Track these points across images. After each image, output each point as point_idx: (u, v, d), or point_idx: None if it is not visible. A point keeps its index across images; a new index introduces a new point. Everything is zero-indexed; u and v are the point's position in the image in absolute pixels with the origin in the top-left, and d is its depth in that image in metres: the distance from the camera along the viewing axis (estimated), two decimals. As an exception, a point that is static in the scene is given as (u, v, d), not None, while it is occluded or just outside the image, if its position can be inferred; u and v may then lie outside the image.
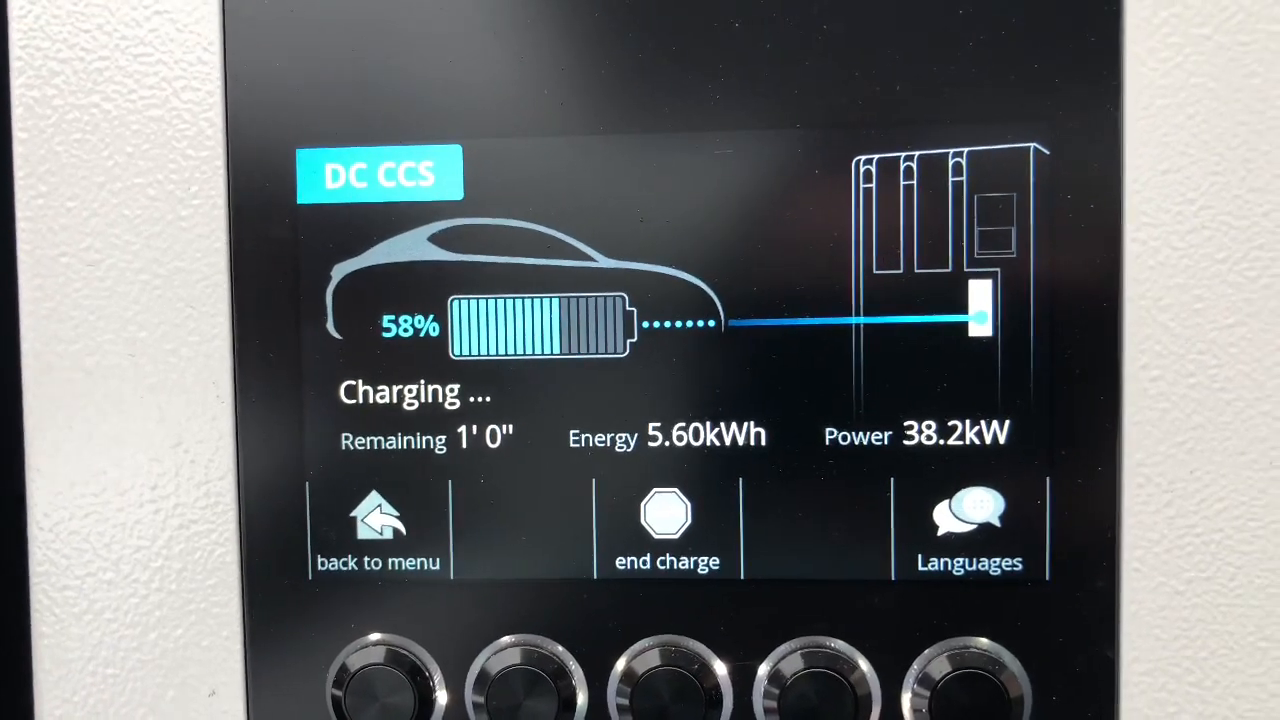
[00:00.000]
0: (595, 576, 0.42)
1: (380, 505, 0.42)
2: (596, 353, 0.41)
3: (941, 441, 0.41)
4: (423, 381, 0.42)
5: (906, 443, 0.41)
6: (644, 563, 0.42)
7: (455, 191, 0.41)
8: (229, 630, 0.43)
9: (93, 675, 0.44)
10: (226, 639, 0.43)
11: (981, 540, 0.41)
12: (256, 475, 0.42)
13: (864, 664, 0.41)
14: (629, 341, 0.41)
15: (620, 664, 0.42)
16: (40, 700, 0.44)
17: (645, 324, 0.41)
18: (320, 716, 0.43)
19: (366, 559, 0.43)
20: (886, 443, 0.41)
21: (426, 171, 0.42)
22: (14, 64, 0.42)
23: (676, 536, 0.42)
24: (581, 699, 0.42)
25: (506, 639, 0.42)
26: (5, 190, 0.43)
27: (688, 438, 0.41)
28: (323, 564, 0.43)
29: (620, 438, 0.42)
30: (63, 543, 0.43)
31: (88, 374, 0.43)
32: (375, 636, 0.43)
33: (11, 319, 0.43)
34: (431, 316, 0.42)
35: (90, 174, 0.42)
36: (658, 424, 0.41)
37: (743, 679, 0.41)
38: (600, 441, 0.42)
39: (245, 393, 0.42)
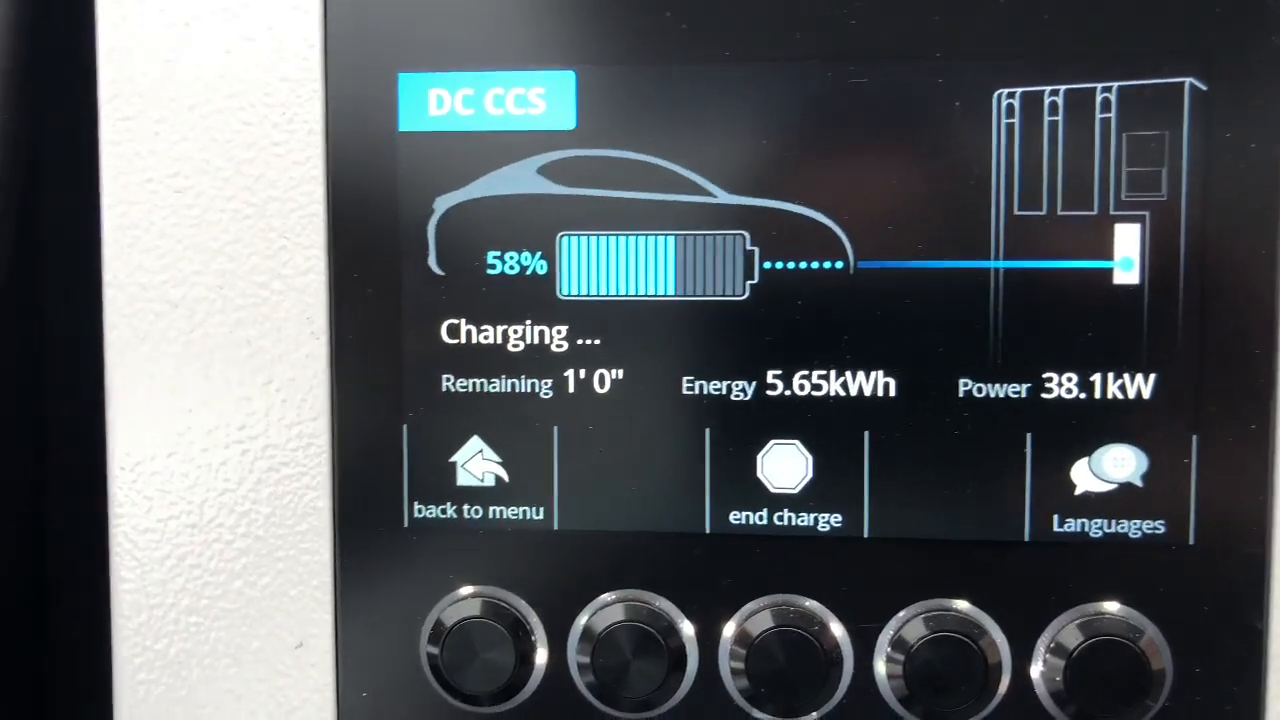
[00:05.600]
0: (707, 531, 0.40)
1: (482, 450, 0.40)
2: (713, 294, 0.39)
3: (1082, 395, 0.38)
4: (529, 322, 0.40)
5: (1045, 396, 0.38)
6: (760, 518, 0.39)
7: (567, 121, 0.39)
8: (319, 579, 0.41)
9: (175, 624, 0.42)
10: (316, 588, 0.41)
11: (1121, 501, 0.38)
12: (352, 417, 0.40)
13: (993, 629, 0.39)
14: (749, 283, 0.39)
15: (733, 623, 0.40)
16: (119, 648, 0.42)
17: (767, 264, 0.39)
18: (412, 669, 0.41)
19: (466, 507, 0.40)
20: (1024, 395, 0.38)
21: (537, 99, 0.39)
22: (100, -21, 0.40)
23: (796, 491, 0.39)
24: (693, 660, 0.40)
25: (609, 595, 0.40)
26: (90, 113, 0.41)
27: (809, 387, 0.39)
28: (420, 511, 0.40)
29: (737, 385, 0.39)
30: (144, 483, 0.41)
31: (173, 306, 0.41)
32: (473, 589, 0.40)
33: (94, 248, 0.41)
34: (539, 254, 0.39)
35: (179, 95, 0.40)
36: (778, 372, 0.39)
37: (864, 642, 0.39)
38: (715, 389, 0.39)
39: (341, 330, 0.40)
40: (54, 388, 0.50)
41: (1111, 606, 0.38)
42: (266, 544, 0.41)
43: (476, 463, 0.40)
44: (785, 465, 0.39)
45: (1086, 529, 0.38)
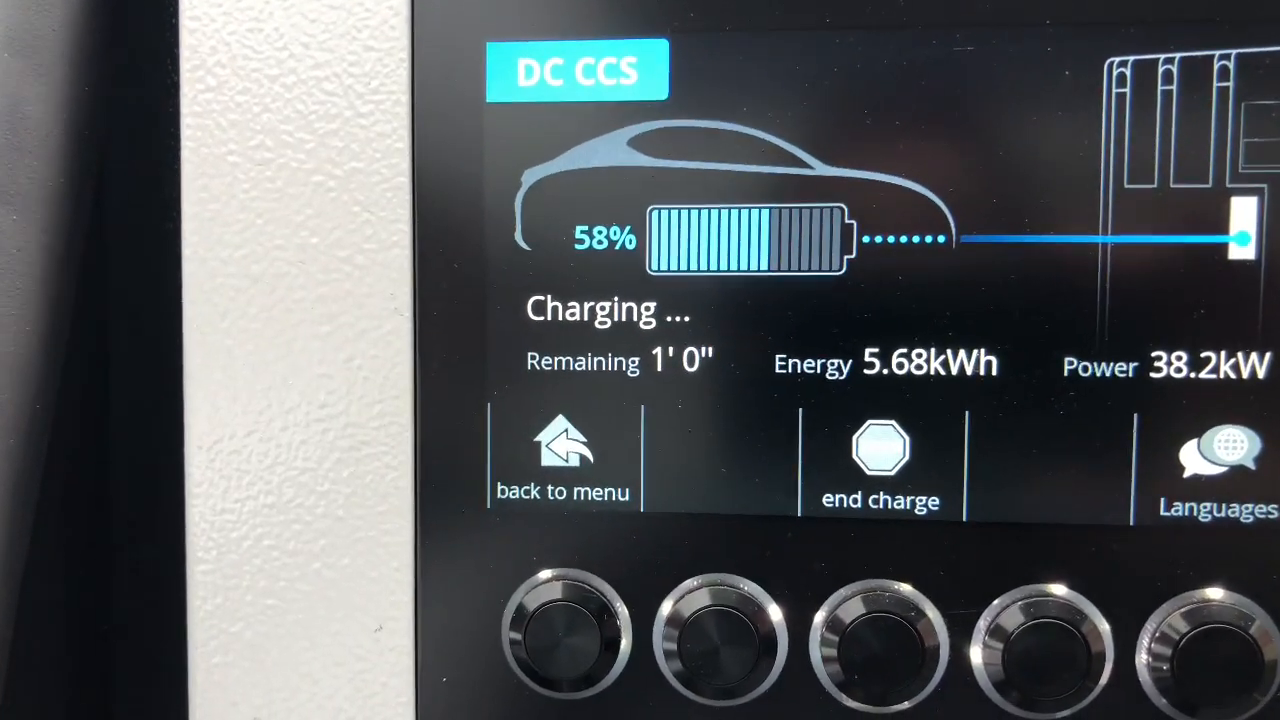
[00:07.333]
0: (799, 514, 0.38)
1: (567, 430, 0.39)
2: (809, 270, 0.38)
3: (1192, 374, 0.37)
4: (616, 298, 0.39)
5: (1154, 375, 0.37)
6: (854, 501, 0.38)
7: (659, 91, 0.38)
8: (399, 561, 0.40)
9: (251, 606, 0.41)
10: (396, 571, 0.40)
11: (1233, 484, 0.37)
12: (434, 395, 0.39)
13: (1096, 616, 0.37)
14: (846, 258, 0.38)
15: (825, 609, 0.38)
16: (194, 630, 0.41)
17: (866, 238, 0.38)
18: (494, 654, 0.40)
19: (550, 487, 0.39)
20: (1131, 375, 0.37)
21: (628, 68, 0.38)
22: (180, -54, 0.40)
23: (892, 473, 0.38)
24: (783, 646, 0.39)
25: (696, 579, 0.39)
26: (170, 84, 0.40)
27: (908, 365, 0.38)
28: (503, 492, 0.40)
29: (832, 364, 0.38)
30: (222, 463, 0.40)
31: (254, 281, 0.40)
32: (556, 572, 0.39)
33: (173, 221, 0.41)
34: (628, 228, 0.38)
35: (262, 66, 0.39)
36: (875, 350, 0.38)
37: (960, 629, 0.38)
38: (809, 368, 0.38)
39: (425, 306, 0.39)
40: (115, 372, 0.49)
41: (1220, 593, 0.37)
42: (346, 525, 0.40)
43: (561, 442, 0.39)
44: (882, 446, 0.38)
45: (1195, 513, 0.37)
